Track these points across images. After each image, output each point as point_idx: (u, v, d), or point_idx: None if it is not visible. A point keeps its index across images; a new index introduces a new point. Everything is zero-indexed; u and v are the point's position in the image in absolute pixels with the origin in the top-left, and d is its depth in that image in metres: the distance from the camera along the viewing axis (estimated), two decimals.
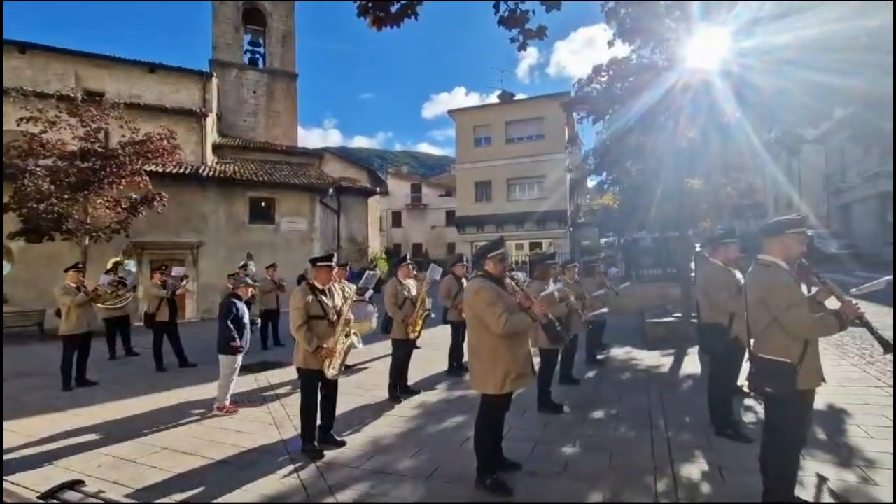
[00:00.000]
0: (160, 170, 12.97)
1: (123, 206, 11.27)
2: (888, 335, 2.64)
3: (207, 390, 6.06)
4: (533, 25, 3.71)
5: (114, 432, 4.55)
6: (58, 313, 6.69)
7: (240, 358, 5.26)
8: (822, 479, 3.08)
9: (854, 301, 2.45)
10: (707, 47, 6.73)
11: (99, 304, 7.52)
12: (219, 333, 5.17)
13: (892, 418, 3.92)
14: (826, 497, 2.91)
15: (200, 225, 14.92)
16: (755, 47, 5.69)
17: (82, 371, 6.64)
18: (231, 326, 5.08)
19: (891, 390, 4.71)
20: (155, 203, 11.53)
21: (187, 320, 13.90)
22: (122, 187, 11.13)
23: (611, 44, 7.38)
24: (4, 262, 8.04)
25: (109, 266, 8.57)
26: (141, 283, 11.52)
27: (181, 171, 14.43)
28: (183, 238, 14.61)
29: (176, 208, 13.85)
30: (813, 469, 3.18)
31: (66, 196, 10.34)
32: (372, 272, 6.25)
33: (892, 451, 3.37)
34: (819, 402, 3.06)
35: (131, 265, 9.06)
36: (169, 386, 6.34)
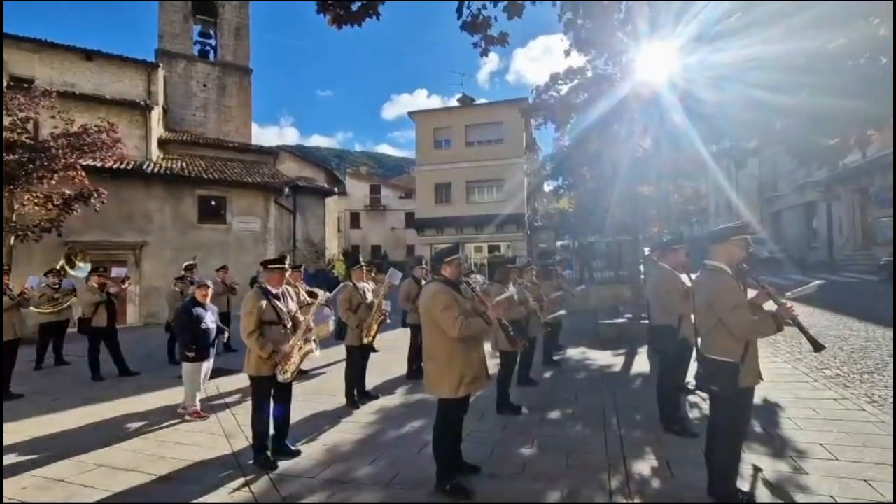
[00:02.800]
0: (98, 164, 12.09)
1: (55, 202, 10.40)
2: (820, 334, 2.86)
3: (150, 400, 5.70)
4: (495, 32, 3.75)
5: (42, 450, 4.18)
6: None
7: (205, 364, 5.14)
8: (756, 470, 3.29)
9: (788, 303, 2.64)
10: (656, 61, 7.09)
11: (35, 309, 6.94)
12: (180, 341, 5.19)
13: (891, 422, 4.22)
14: (760, 486, 3.11)
15: (144, 224, 14.04)
16: (697, 63, 6.04)
17: (5, 383, 6.06)
18: (186, 333, 5.03)
19: (817, 385, 5.12)
20: (92, 200, 10.72)
21: (129, 325, 13.04)
22: (53, 182, 10.27)
23: (567, 53, 7.63)
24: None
25: (58, 266, 7.92)
26: (76, 284, 10.71)
27: (122, 166, 13.52)
28: (124, 238, 13.69)
29: (117, 206, 12.98)
30: (750, 461, 3.39)
31: None
32: (342, 284, 6.20)
33: (820, 443, 3.66)
34: (755, 397, 3.28)
35: (84, 270, 8.28)
36: (106, 397, 5.91)
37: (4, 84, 10.55)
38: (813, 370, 5.66)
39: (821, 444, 3.63)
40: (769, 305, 2.77)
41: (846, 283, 13.55)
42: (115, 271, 7.82)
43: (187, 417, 4.95)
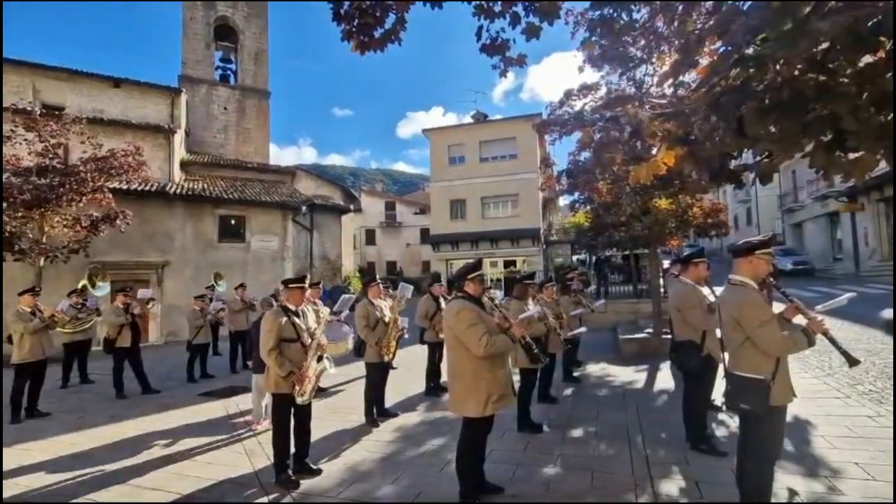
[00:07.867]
0: (124, 187, 12.50)
1: (83, 224, 10.76)
2: (850, 348, 2.78)
3: (172, 418, 5.77)
4: (513, 53, 3.82)
5: (67, 468, 4.25)
6: (9, 339, 6.27)
7: None
8: (792, 493, 3.17)
9: (819, 317, 2.57)
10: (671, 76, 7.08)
11: (59, 329, 7.11)
12: (255, 353, 5.20)
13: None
14: None
15: (166, 244, 14.40)
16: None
17: (34, 401, 6.21)
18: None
19: (850, 401, 4.94)
20: (118, 221, 11.06)
21: (150, 343, 13.27)
22: (82, 205, 10.65)
23: (581, 69, 7.69)
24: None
25: (79, 287, 8.14)
26: (101, 304, 10.99)
27: (147, 188, 13.96)
28: (147, 257, 14.04)
29: (140, 226, 13.35)
30: (784, 481, 3.27)
31: (19, 214, 9.81)
32: (346, 296, 6.18)
33: (855, 462, 3.52)
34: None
35: (104, 288, 8.50)
36: (130, 415, 6.00)
37: (38, 111, 11.02)
38: (845, 386, 5.46)
39: (856, 464, 3.49)
40: (799, 320, 2.71)
41: (874, 296, 13.10)
42: (141, 293, 7.99)
43: (256, 428, 5.18)
